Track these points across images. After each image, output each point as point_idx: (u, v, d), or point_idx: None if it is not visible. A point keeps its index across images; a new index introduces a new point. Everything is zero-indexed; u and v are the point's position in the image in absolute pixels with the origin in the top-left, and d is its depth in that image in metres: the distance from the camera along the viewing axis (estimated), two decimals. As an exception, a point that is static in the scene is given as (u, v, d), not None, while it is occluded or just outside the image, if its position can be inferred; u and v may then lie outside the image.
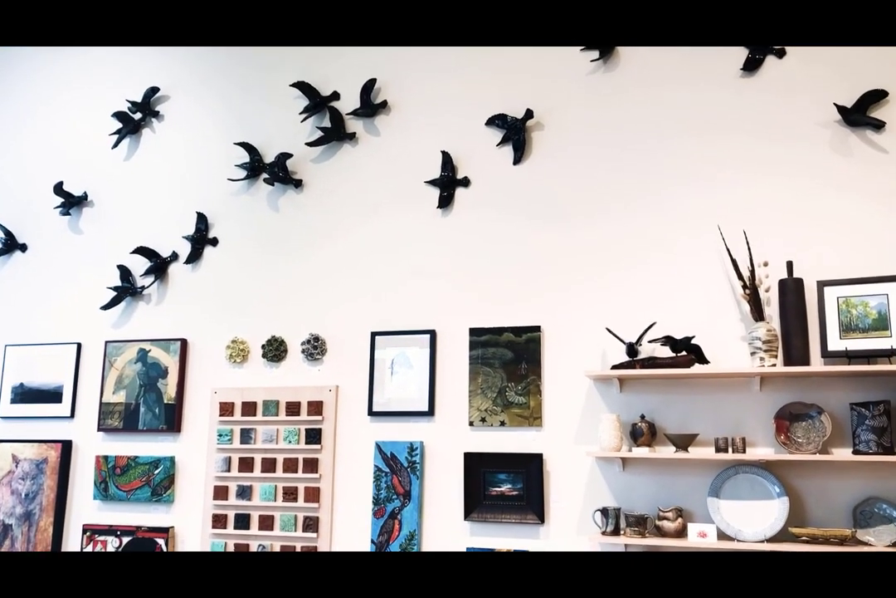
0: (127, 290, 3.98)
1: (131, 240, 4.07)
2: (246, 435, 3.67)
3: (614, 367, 3.14)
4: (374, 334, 3.59)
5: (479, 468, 3.33)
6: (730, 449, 2.96)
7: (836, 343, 2.94)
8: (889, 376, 2.89)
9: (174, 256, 3.99)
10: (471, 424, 3.38)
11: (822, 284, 3.00)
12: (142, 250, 3.97)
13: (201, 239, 3.93)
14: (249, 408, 3.69)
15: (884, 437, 2.81)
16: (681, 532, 2.97)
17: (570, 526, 3.19)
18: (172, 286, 3.98)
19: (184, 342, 3.86)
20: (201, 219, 3.95)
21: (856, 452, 2.85)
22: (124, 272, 4.00)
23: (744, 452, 2.95)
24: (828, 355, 2.94)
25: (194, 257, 3.95)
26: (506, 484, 3.29)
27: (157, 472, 3.75)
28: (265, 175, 3.88)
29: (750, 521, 2.94)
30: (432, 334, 3.51)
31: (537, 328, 3.37)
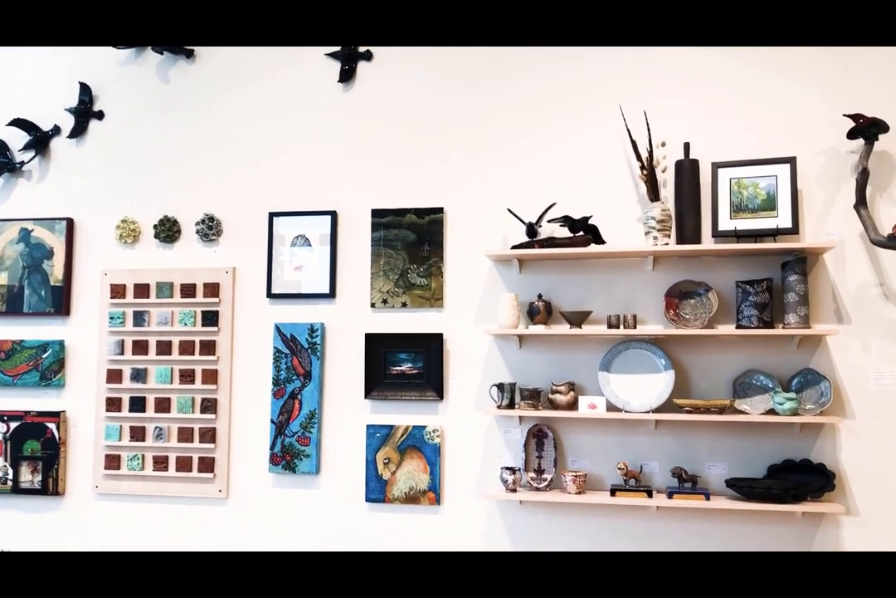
0: (4, 165, 3.70)
1: (6, 111, 3.75)
2: (139, 318, 3.56)
3: (514, 247, 3.17)
4: (272, 215, 3.49)
5: (380, 349, 3.34)
6: (621, 326, 3.06)
7: (726, 223, 3.03)
8: (773, 254, 3.02)
9: (56, 130, 3.72)
10: (372, 305, 3.38)
11: (716, 166, 3.06)
12: (19, 123, 3.68)
13: (85, 112, 3.67)
14: (142, 290, 3.56)
15: (765, 312, 2.95)
16: (572, 405, 3.09)
17: (467, 402, 3.27)
18: (55, 162, 3.73)
19: (70, 222, 3.66)
20: (84, 90, 3.68)
21: (739, 326, 3.00)
22: (0, 146, 3.72)
23: (634, 328, 3.05)
24: (718, 235, 3.04)
25: (78, 131, 3.69)
26: (406, 363, 3.33)
27: (45, 356, 3.62)
28: (154, 44, 3.62)
29: (638, 393, 3.07)
30: (333, 215, 3.44)
31: (440, 210, 3.34)
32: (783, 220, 2.96)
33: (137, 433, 3.52)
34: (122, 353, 3.56)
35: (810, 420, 2.89)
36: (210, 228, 3.53)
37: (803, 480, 2.92)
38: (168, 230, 3.57)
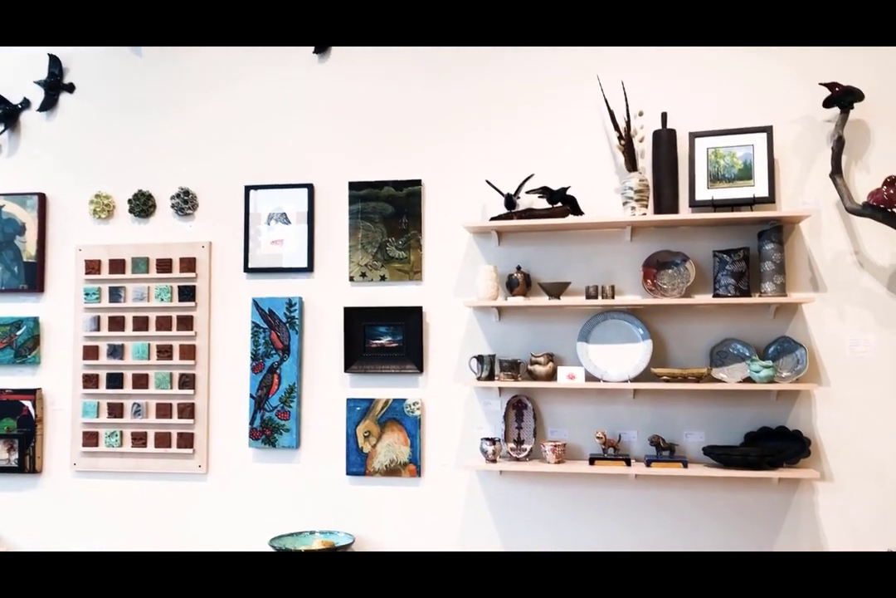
0: (-27, 140, 3.65)
1: (-26, 84, 3.69)
2: (115, 293, 3.52)
3: (492, 219, 3.16)
4: (248, 188, 3.45)
5: (359, 322, 3.33)
6: (599, 296, 3.07)
7: (703, 193, 3.04)
8: (750, 223, 3.03)
9: (26, 103, 3.66)
10: (351, 279, 3.36)
11: (693, 136, 3.06)
12: (-14, 96, 3.62)
13: (56, 85, 3.61)
14: (117, 266, 3.52)
15: (741, 281, 2.96)
16: (551, 376, 3.10)
17: (447, 374, 3.27)
18: (25, 136, 3.67)
19: (42, 197, 3.61)
20: (54, 62, 3.61)
21: (716, 295, 3.01)
22: (-32, 121, 3.66)
23: (612, 298, 3.06)
24: (695, 205, 3.05)
25: (49, 105, 3.63)
26: (386, 337, 3.32)
27: (19, 333, 3.57)
28: (125, 15, 3.56)
29: (616, 363, 3.09)
30: (310, 187, 3.41)
31: (418, 182, 3.32)
32: (760, 189, 2.97)
33: (115, 410, 3.49)
34: (98, 329, 3.52)
35: (786, 388, 2.92)
36: (185, 203, 3.49)
37: (779, 446, 2.96)
38: (143, 205, 3.52)
